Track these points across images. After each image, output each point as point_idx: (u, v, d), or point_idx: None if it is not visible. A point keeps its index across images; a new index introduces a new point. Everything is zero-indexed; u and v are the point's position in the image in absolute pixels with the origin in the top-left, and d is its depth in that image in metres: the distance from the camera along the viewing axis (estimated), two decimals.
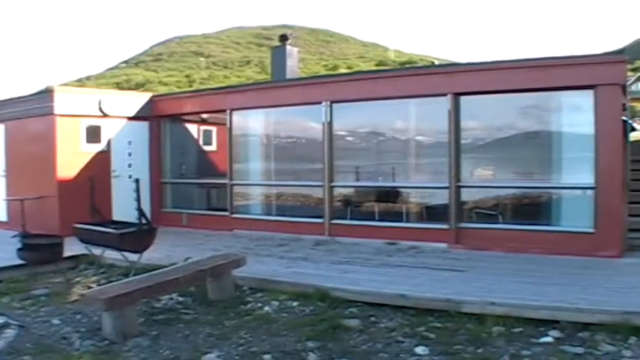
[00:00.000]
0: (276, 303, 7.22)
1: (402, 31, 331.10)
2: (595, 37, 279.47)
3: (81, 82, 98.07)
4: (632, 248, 9.32)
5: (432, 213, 11.17)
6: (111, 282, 7.51)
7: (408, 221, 11.32)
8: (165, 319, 6.70)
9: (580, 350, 5.48)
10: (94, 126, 12.96)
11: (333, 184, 11.73)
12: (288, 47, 15.43)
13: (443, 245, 10.19)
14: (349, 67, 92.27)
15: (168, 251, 9.94)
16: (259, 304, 7.20)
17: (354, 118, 12.05)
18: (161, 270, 7.28)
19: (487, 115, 10.78)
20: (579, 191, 9.76)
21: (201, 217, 13.64)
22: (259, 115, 13.34)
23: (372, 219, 11.60)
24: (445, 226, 10.41)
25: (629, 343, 5.58)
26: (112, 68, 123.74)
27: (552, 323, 6.11)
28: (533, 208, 10.49)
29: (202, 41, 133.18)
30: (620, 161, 9.20)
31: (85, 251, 9.25)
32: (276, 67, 15.51)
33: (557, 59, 9.82)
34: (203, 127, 16.06)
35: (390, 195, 11.90)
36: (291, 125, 13.29)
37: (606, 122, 9.11)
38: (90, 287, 7.85)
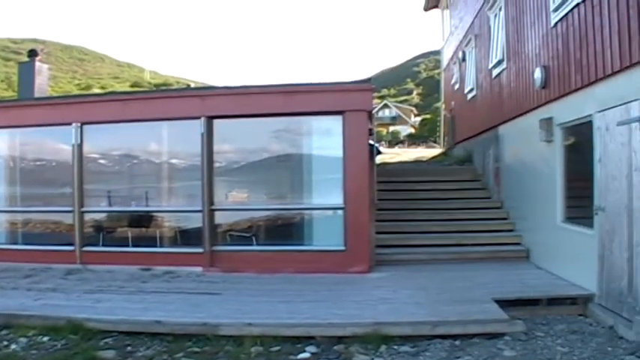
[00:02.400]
0: (24, 340, 6.59)
1: (158, 53, 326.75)
2: (344, 67, 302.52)
3: None
4: (380, 263, 10.04)
5: (187, 237, 10.93)
6: None
7: (162, 246, 10.95)
8: None
9: None
10: None
11: (84, 209, 11.01)
12: (37, 63, 14.49)
13: (198, 269, 10.04)
14: (103, 87, 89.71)
15: None
16: (5, 343, 6.56)
17: (107, 141, 11.42)
18: None
19: (241, 139, 10.85)
20: (330, 211, 10.26)
21: None
22: (4, 136, 11.98)
23: (126, 245, 11.03)
24: (199, 250, 10.26)
25: (380, 351, 5.95)
26: None
27: (309, 339, 6.28)
28: (286, 229, 10.78)
29: None
30: (367, 182, 9.86)
31: None
32: (23, 84, 14.49)
33: (308, 85, 10.34)
34: None
35: (143, 219, 11.41)
36: (40, 147, 12.14)
37: (354, 146, 9.75)
38: None
